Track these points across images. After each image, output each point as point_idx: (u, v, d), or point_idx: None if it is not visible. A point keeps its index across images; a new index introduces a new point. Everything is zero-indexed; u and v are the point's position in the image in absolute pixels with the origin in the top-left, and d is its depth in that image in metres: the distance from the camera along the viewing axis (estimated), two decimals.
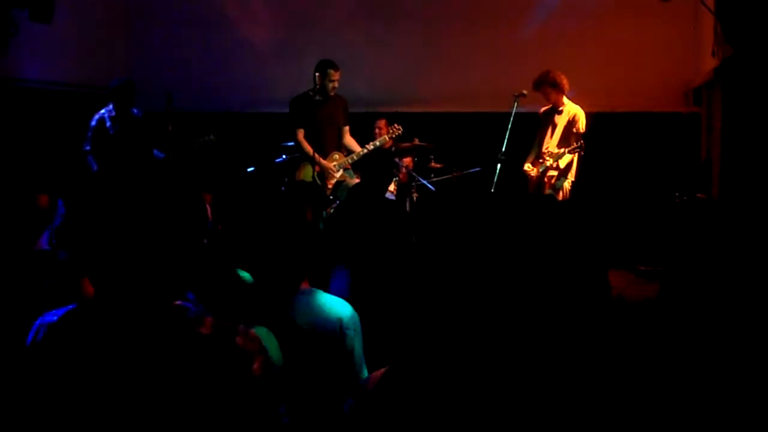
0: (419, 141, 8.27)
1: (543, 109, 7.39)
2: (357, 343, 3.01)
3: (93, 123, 7.53)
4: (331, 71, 7.27)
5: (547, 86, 7.11)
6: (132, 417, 1.79)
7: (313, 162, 7.29)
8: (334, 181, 7.43)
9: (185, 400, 1.82)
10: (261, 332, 2.51)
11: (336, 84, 7.32)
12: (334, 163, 7.43)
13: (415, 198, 8.04)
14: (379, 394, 2.09)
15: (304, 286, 3.03)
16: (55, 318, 1.97)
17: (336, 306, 3.01)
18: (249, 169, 8.39)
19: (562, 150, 7.02)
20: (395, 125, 7.73)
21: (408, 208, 7.95)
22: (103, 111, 7.58)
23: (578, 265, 2.11)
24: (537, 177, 7.19)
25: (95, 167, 7.51)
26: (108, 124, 7.52)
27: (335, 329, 2.93)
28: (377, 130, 8.62)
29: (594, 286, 2.11)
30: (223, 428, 1.84)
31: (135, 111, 7.65)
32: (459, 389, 1.97)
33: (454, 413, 1.95)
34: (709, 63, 7.74)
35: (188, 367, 1.84)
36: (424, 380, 2.02)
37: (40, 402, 1.82)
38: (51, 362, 1.84)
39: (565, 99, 7.21)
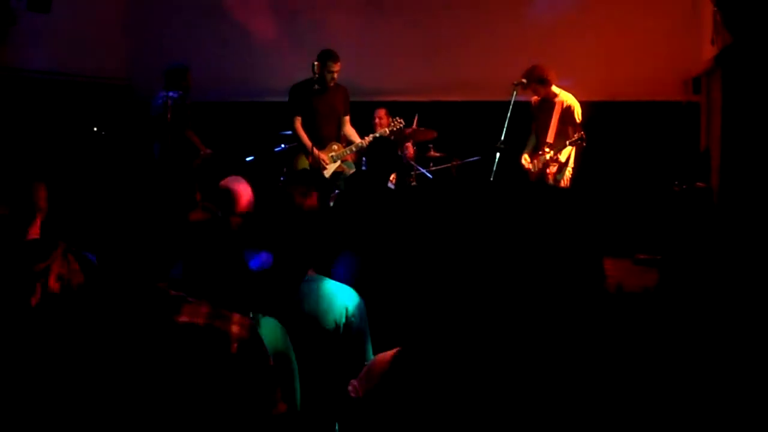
0: (418, 128, 8.26)
1: (534, 99, 7.35)
2: (363, 329, 3.02)
3: (159, 102, 7.53)
4: (330, 62, 7.23)
5: (534, 83, 7.10)
6: (120, 406, 1.79)
7: (306, 152, 7.28)
8: (329, 169, 7.39)
9: (175, 389, 1.82)
10: (268, 323, 2.52)
11: (335, 75, 7.30)
12: (332, 153, 7.42)
13: (414, 186, 8.04)
14: (389, 377, 2.10)
15: (310, 273, 3.03)
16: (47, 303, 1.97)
17: (341, 293, 3.02)
18: (248, 159, 8.39)
19: (563, 143, 7.00)
20: (397, 118, 7.71)
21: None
22: (172, 93, 7.53)
23: (574, 253, 2.12)
24: (538, 171, 7.16)
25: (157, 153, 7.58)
26: (170, 104, 7.51)
27: (341, 316, 2.94)
28: (377, 120, 8.60)
29: (589, 274, 2.12)
30: (217, 417, 1.84)
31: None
32: (456, 376, 1.98)
33: (453, 399, 1.96)
34: (709, 51, 7.72)
35: (178, 356, 1.84)
36: (433, 365, 2.03)
37: (28, 390, 1.82)
38: (39, 348, 1.84)
39: (556, 89, 7.18)
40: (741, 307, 2.13)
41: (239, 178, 4.45)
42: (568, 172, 7.10)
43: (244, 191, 4.34)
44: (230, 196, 4.28)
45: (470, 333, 2.05)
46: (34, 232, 3.08)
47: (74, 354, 1.81)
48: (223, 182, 4.41)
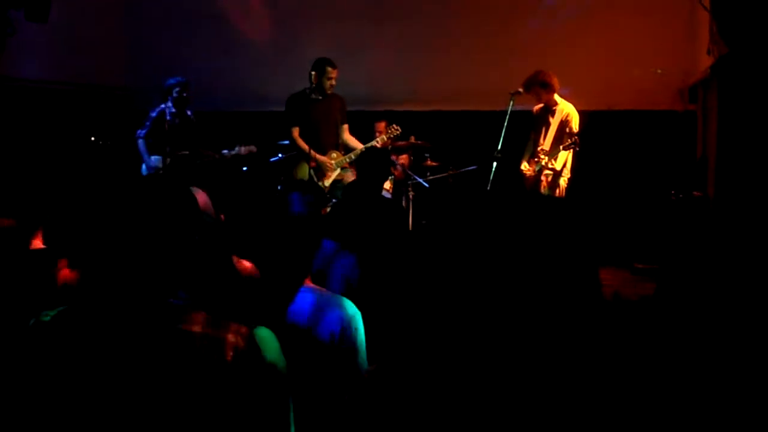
0: (415, 139, 8.27)
1: (536, 107, 7.36)
2: (358, 340, 3.01)
3: (154, 114, 7.95)
4: (329, 69, 7.26)
5: (537, 87, 7.09)
6: (122, 416, 1.80)
7: (308, 159, 7.29)
8: (331, 176, 7.40)
9: (175, 398, 1.82)
10: (262, 333, 2.51)
11: (334, 82, 7.32)
12: (332, 161, 7.43)
13: (411, 196, 8.06)
14: (371, 388, 2.11)
15: (306, 283, 3.03)
16: (47, 318, 1.97)
17: (338, 304, 3.01)
18: (244, 168, 8.40)
19: (557, 148, 7.01)
20: (393, 125, 7.73)
21: (404, 206, 7.97)
22: (163, 105, 7.96)
23: (569, 262, 2.12)
24: (533, 176, 7.18)
25: (145, 154, 7.92)
26: (168, 117, 7.91)
27: (337, 327, 2.93)
28: (377, 134, 8.62)
29: (585, 284, 2.12)
30: (216, 427, 1.84)
31: (189, 112, 8.04)
32: (449, 383, 1.98)
33: (443, 407, 1.96)
34: (705, 61, 7.75)
35: (179, 365, 1.84)
36: (414, 375, 2.03)
37: (30, 401, 1.83)
38: (41, 362, 1.84)
39: (557, 97, 7.18)
40: (738, 315, 2.13)
41: (196, 189, 4.73)
42: (564, 181, 7.10)
43: (199, 198, 4.55)
44: None
45: (462, 341, 2.06)
46: (38, 243, 3.09)
47: (74, 361, 1.82)
48: None
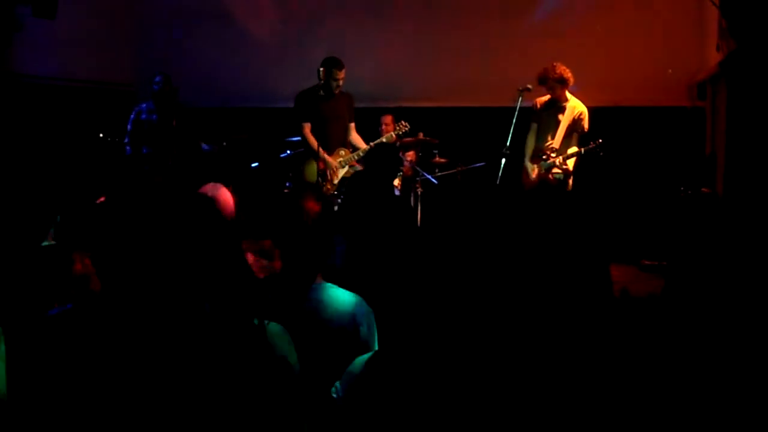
0: (423, 136, 8.25)
1: (539, 100, 7.25)
2: (371, 337, 3.02)
3: (132, 116, 8.00)
4: (336, 70, 7.23)
5: (552, 81, 6.99)
6: (138, 413, 1.80)
7: (317, 158, 7.28)
8: (337, 178, 7.40)
9: (183, 394, 1.82)
10: (273, 328, 2.51)
11: (340, 83, 7.29)
12: (340, 159, 7.42)
13: (419, 192, 8.04)
14: (367, 378, 2.12)
15: (318, 279, 3.04)
16: (56, 313, 1.97)
17: (350, 300, 3.02)
18: (253, 165, 8.40)
19: (565, 149, 6.96)
20: (402, 122, 7.70)
21: (412, 203, 7.96)
22: (140, 106, 8.03)
23: (580, 258, 2.12)
24: (539, 175, 7.09)
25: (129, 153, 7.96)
26: (143, 117, 7.95)
27: (349, 323, 2.94)
28: (384, 126, 8.61)
29: (596, 280, 2.12)
30: (232, 424, 1.84)
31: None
32: (459, 376, 1.98)
33: (452, 401, 1.96)
34: (714, 57, 7.73)
35: (185, 363, 1.84)
36: (421, 368, 2.03)
37: (45, 397, 1.83)
38: (54, 358, 1.85)
39: (567, 93, 7.12)
40: (746, 312, 2.12)
41: (219, 185, 4.39)
42: (570, 179, 7.05)
43: (227, 198, 4.27)
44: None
45: (471, 335, 2.06)
46: (50, 238, 3.10)
47: (87, 357, 1.82)
48: (201, 190, 4.33)
